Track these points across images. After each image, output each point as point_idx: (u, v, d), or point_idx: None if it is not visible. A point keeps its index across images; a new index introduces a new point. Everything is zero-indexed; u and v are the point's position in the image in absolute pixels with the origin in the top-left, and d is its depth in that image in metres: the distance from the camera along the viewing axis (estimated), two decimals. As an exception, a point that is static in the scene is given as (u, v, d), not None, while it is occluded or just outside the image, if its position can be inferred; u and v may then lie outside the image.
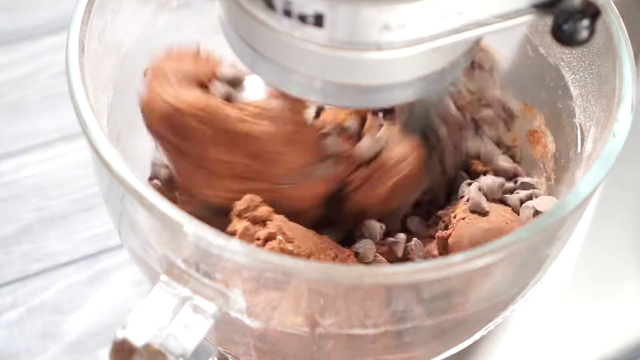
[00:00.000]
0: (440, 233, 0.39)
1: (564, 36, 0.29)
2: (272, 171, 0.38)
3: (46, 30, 0.67)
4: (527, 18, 0.29)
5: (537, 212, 0.40)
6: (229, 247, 0.30)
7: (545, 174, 0.43)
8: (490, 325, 0.38)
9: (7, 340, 0.51)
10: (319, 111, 0.41)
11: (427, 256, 0.40)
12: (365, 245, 0.38)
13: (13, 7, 0.68)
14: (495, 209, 0.40)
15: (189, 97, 0.37)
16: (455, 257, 0.30)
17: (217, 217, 0.37)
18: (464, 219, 0.39)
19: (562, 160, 0.42)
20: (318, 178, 0.39)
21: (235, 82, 0.39)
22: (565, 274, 0.50)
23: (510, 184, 0.42)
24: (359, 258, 0.38)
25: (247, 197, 0.36)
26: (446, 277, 0.31)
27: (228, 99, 0.38)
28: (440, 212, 0.41)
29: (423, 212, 0.42)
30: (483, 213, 0.39)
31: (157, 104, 0.37)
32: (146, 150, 0.42)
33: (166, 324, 0.31)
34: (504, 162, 0.43)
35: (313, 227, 0.38)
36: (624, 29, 0.36)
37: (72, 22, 0.36)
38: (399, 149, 0.40)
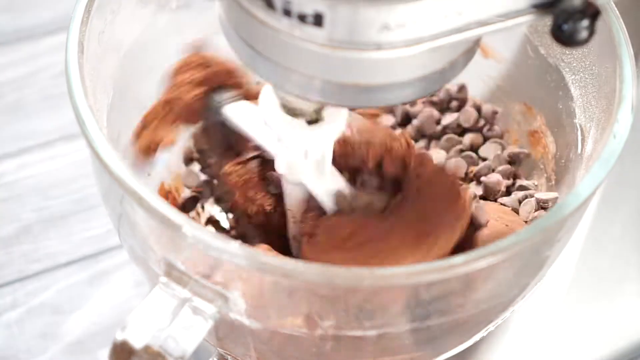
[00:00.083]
0: None
1: (563, 36, 0.28)
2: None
3: (46, 30, 0.67)
4: (527, 18, 0.29)
5: (538, 205, 0.40)
6: (229, 249, 0.30)
7: (545, 175, 0.43)
8: (491, 327, 0.37)
9: (7, 341, 0.51)
10: None
11: None
12: None
13: (13, 7, 0.68)
14: (494, 211, 0.39)
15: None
16: (455, 259, 0.30)
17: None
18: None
19: (563, 161, 0.42)
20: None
21: None
22: (565, 275, 0.50)
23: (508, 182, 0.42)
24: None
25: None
26: (446, 279, 0.31)
27: None
28: None
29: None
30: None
31: None
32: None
33: (166, 325, 0.31)
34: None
35: None
36: (624, 29, 0.36)
37: (72, 22, 0.36)
38: None
